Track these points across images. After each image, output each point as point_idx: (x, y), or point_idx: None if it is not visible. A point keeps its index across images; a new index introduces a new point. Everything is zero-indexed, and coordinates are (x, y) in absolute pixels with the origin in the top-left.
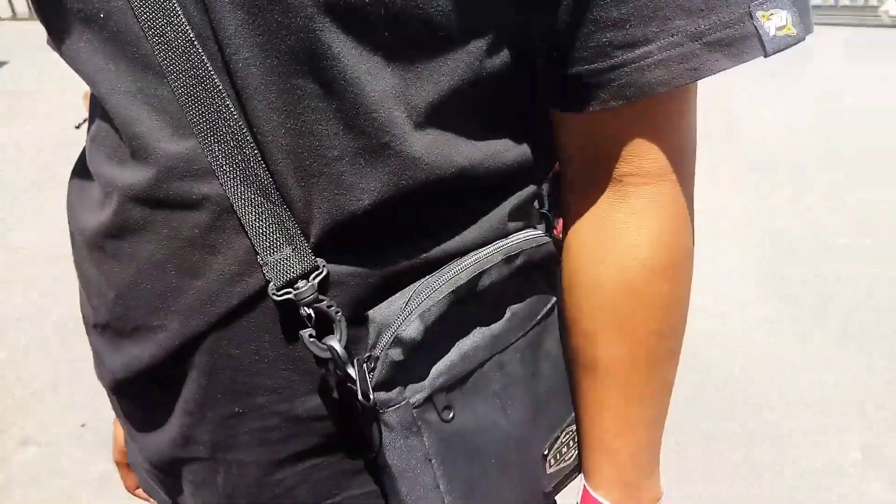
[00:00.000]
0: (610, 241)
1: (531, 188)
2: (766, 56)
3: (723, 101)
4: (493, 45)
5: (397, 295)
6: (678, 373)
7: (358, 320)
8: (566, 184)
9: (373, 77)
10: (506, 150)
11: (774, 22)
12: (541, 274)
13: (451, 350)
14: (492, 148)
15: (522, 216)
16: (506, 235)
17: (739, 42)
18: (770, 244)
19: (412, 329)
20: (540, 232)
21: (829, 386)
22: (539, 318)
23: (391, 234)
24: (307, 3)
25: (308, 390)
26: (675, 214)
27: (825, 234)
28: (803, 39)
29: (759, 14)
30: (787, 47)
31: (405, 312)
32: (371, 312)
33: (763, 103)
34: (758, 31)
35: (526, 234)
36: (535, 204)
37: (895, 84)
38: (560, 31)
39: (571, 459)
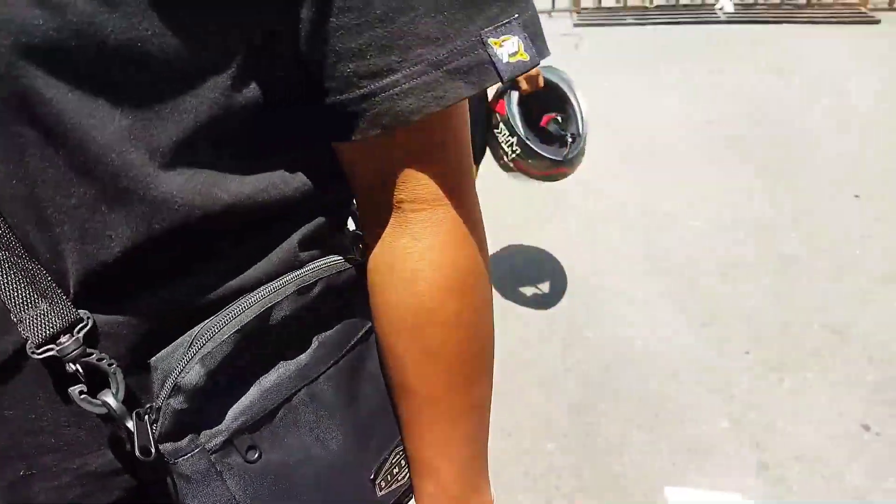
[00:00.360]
0: (398, 265)
1: (324, 215)
2: (503, 82)
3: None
4: (238, 80)
5: (180, 339)
6: (560, 350)
7: (143, 369)
8: (359, 208)
9: (98, 121)
10: (283, 182)
11: (507, 48)
12: (353, 297)
13: (251, 389)
14: (265, 181)
15: (318, 244)
16: (300, 266)
17: (476, 69)
18: (647, 223)
19: (192, 375)
20: (339, 257)
21: (703, 360)
22: (354, 342)
23: (159, 279)
24: (4, 51)
25: (99, 445)
26: (458, 237)
27: (691, 214)
28: (538, 64)
29: (490, 41)
30: (522, 72)
31: (185, 358)
32: (153, 360)
33: (634, 96)
34: (491, 58)
35: (322, 262)
36: (350, 224)
37: (733, 75)
38: (305, 63)
39: (405, 479)
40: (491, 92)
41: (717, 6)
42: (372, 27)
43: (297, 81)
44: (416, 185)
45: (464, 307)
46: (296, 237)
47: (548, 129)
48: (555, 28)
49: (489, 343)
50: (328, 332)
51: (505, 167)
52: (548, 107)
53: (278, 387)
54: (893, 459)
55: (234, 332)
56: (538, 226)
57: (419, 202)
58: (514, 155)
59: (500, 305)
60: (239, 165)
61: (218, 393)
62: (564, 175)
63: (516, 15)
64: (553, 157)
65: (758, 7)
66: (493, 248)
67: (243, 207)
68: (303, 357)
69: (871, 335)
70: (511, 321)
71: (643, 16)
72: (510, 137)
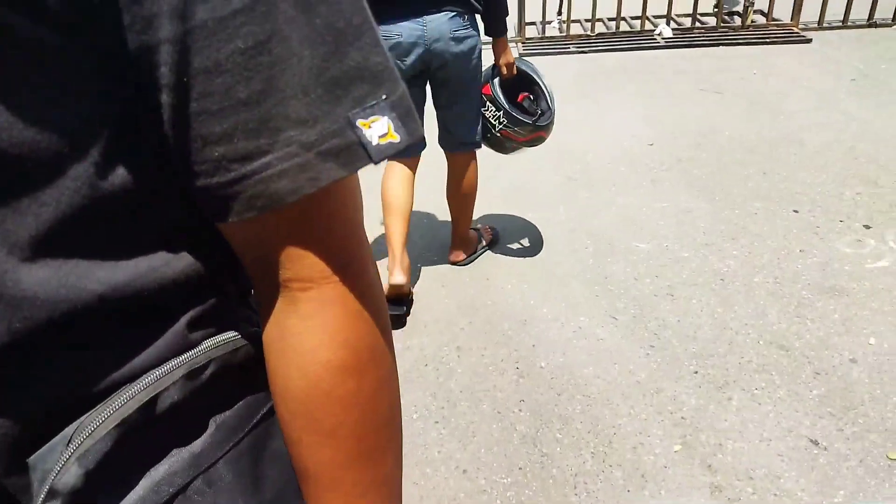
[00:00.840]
0: (289, 347)
1: (219, 290)
2: (374, 163)
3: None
4: (101, 167)
5: (57, 437)
6: (514, 380)
7: (23, 469)
8: (253, 285)
9: None
10: (164, 265)
11: (376, 130)
12: (257, 371)
13: (141, 482)
14: (143, 265)
15: (213, 321)
16: (190, 347)
17: (346, 151)
18: (594, 248)
19: (70, 476)
20: (234, 334)
21: (651, 383)
22: (257, 420)
23: (30, 376)
24: None
25: None
26: (350, 315)
27: (636, 236)
28: (410, 144)
29: (359, 122)
30: (393, 153)
31: (63, 457)
32: (31, 460)
33: (577, 122)
34: (361, 140)
35: (217, 340)
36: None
37: (674, 98)
38: (171, 149)
39: None
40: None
41: (657, 32)
42: (237, 111)
43: (168, 164)
44: (301, 265)
45: (361, 386)
46: (184, 319)
47: (523, 105)
48: None
49: (392, 418)
50: (227, 413)
51: (493, 140)
52: (520, 90)
53: (170, 477)
54: (842, 473)
55: (115, 426)
56: (485, 256)
57: (306, 281)
58: (500, 126)
59: (455, 338)
60: (112, 252)
61: (102, 490)
62: (542, 140)
63: (384, 96)
64: (533, 122)
65: (695, 31)
66: (445, 278)
67: (119, 295)
68: (197, 443)
69: (814, 348)
70: (465, 353)
71: (585, 44)
72: (497, 112)
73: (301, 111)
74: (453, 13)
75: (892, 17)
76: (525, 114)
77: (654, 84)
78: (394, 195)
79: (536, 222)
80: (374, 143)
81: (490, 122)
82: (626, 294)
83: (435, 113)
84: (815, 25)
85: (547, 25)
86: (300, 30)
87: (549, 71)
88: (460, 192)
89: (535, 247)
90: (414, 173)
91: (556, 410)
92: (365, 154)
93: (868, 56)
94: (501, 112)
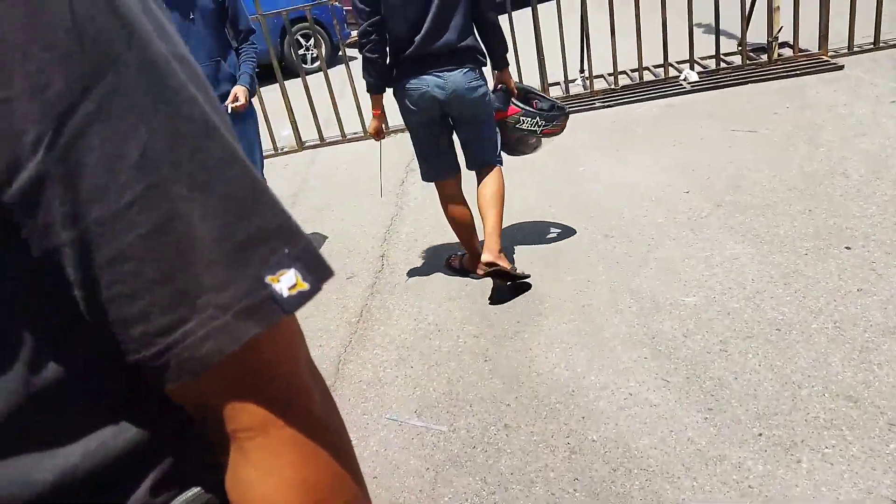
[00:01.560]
0: (244, 497)
1: (176, 452)
2: (287, 314)
3: (571, 170)
4: (35, 365)
5: None
6: (566, 457)
7: None
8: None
9: None
10: (114, 437)
11: (285, 283)
12: None
13: None
14: (92, 444)
15: (175, 481)
16: None
17: (260, 308)
18: (638, 307)
19: None
20: (198, 490)
21: (712, 450)
22: None
23: None
24: None
25: None
26: (301, 457)
27: (682, 290)
28: (319, 290)
29: (268, 279)
30: (304, 302)
31: None
32: None
33: (608, 177)
34: (273, 295)
35: (179, 501)
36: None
37: (706, 141)
38: (100, 334)
39: None
40: None
41: (681, 77)
42: (151, 290)
43: (98, 346)
44: (243, 415)
45: None
46: (146, 484)
47: (542, 107)
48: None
49: None
50: None
51: (534, 146)
52: (526, 103)
53: None
54: None
55: None
56: (528, 325)
57: (250, 430)
58: (542, 128)
59: (501, 416)
60: (58, 438)
61: None
62: (564, 128)
63: (287, 250)
64: (564, 110)
65: (721, 72)
66: (487, 352)
67: (72, 478)
68: None
69: (885, 396)
70: (513, 431)
71: (610, 97)
72: (532, 119)
73: (213, 278)
74: (467, 69)
75: None
76: (552, 110)
77: (685, 130)
78: (455, 211)
79: (575, 285)
80: (285, 295)
81: (528, 132)
82: (677, 353)
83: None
84: (846, 51)
85: (570, 84)
86: (199, 207)
87: (577, 128)
88: (494, 195)
89: (577, 311)
90: (459, 189)
91: (613, 488)
92: (278, 308)
93: None
94: (538, 117)
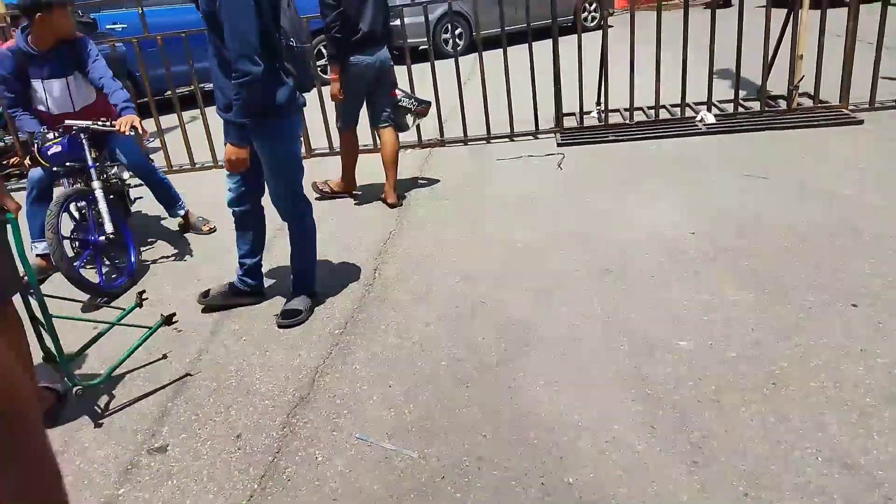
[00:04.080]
0: None
1: None
2: None
3: (576, 200)
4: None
5: None
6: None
7: None
8: None
9: None
10: None
11: None
12: None
13: None
14: None
15: None
16: None
17: None
18: (630, 346)
19: None
20: None
21: (667, 494)
22: None
23: None
24: None
25: None
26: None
27: (677, 333)
28: None
29: None
30: None
31: None
32: None
33: (614, 212)
34: None
35: None
36: None
37: (716, 185)
38: None
39: None
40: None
41: (698, 118)
42: None
43: None
44: None
45: None
46: None
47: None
48: (540, 148)
49: None
50: None
51: (413, 120)
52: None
53: None
54: None
55: None
56: (515, 354)
57: None
58: (418, 106)
59: (476, 447)
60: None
61: None
62: (427, 113)
63: None
64: (427, 102)
65: (738, 116)
66: (471, 378)
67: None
68: None
69: (882, 466)
70: (487, 465)
71: (624, 132)
72: (412, 100)
73: None
74: (384, 47)
75: None
76: (421, 101)
77: (696, 171)
78: (354, 145)
79: (569, 317)
80: None
81: (408, 107)
82: (666, 399)
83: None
84: (866, 106)
85: (585, 116)
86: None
87: (587, 159)
88: (391, 153)
89: (567, 344)
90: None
91: None
92: None
93: None
94: (414, 98)
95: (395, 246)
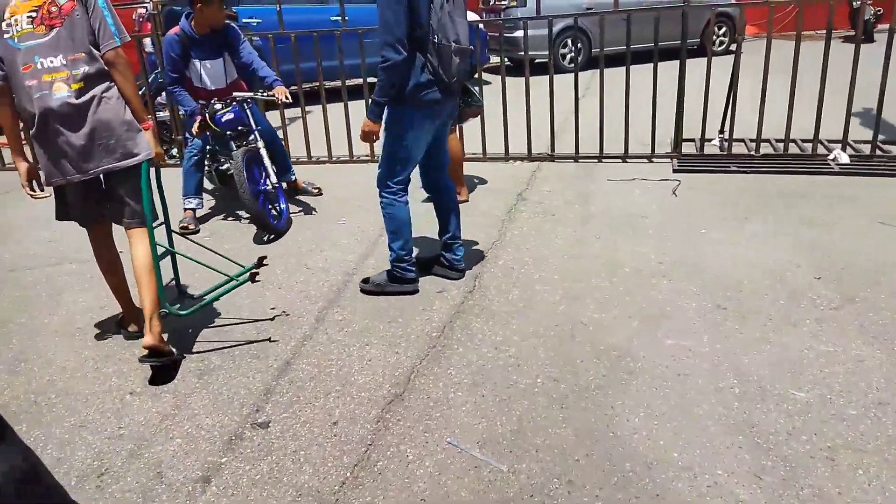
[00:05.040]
0: None
1: None
2: None
3: (692, 230)
4: None
5: None
6: None
7: None
8: None
9: None
10: None
11: None
12: None
13: None
14: None
15: None
16: None
17: None
18: (741, 390)
19: None
20: None
21: None
22: None
23: None
24: None
25: None
26: None
27: (794, 383)
28: None
29: None
30: None
31: None
32: None
33: (731, 246)
34: None
35: None
36: None
37: (848, 229)
38: None
39: None
40: None
41: (831, 157)
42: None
43: None
44: None
45: None
46: None
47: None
48: (653, 172)
49: None
50: None
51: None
52: None
53: None
54: None
55: None
56: (615, 381)
57: None
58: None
59: (567, 471)
60: None
61: None
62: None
63: None
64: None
65: (875, 159)
66: (566, 399)
67: None
68: None
69: None
70: (577, 490)
71: (748, 164)
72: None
73: None
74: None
75: None
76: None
77: (826, 212)
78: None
79: (674, 350)
80: None
81: (473, 103)
82: (777, 450)
83: None
84: None
85: (706, 143)
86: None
87: (706, 188)
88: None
89: (672, 379)
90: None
91: None
92: None
93: None
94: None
95: (496, 257)
